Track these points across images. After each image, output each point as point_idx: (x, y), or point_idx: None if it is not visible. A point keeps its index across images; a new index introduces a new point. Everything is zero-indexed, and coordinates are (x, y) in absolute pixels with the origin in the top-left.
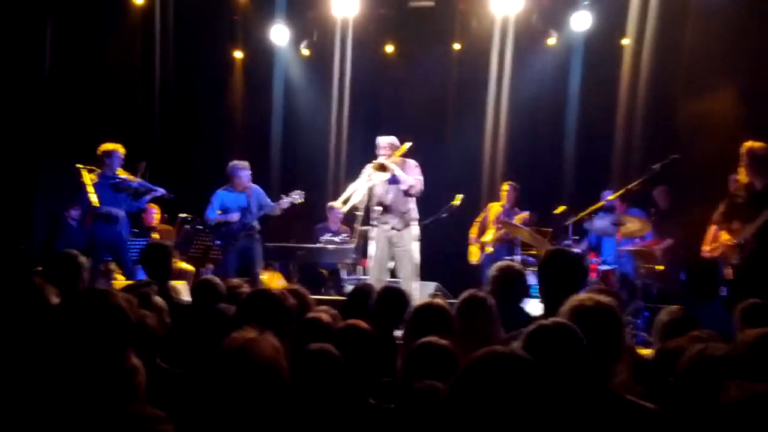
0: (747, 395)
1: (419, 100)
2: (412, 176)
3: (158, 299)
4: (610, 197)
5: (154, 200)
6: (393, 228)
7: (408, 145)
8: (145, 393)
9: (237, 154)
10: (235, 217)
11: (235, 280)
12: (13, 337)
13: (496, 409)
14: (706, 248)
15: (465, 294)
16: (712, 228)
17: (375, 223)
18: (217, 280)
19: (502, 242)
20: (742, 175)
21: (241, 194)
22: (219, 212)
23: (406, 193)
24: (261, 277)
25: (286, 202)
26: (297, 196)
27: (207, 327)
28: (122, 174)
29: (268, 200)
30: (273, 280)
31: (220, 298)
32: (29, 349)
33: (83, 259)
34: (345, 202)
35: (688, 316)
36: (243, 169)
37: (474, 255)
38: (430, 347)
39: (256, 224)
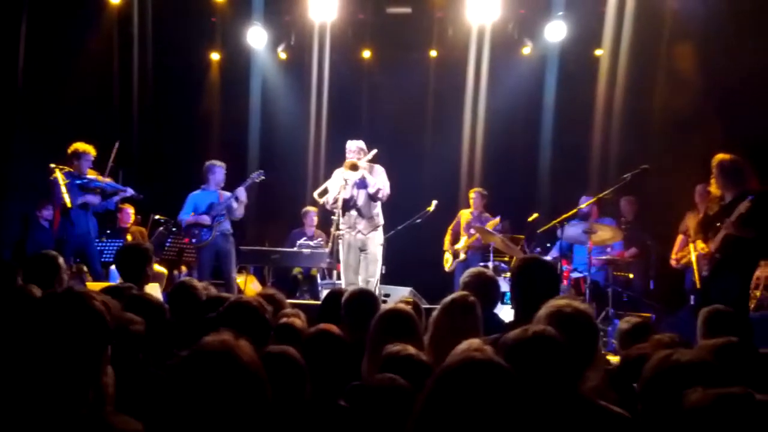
0: (708, 400)
1: (396, 106)
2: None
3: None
4: (588, 202)
5: (128, 201)
6: (360, 232)
7: (374, 151)
8: (113, 399)
9: (213, 156)
10: (206, 219)
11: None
12: None
13: (472, 415)
14: (674, 257)
15: (454, 295)
16: (679, 237)
17: (344, 227)
18: (196, 283)
19: (474, 249)
20: (714, 187)
21: (214, 193)
22: (192, 214)
23: (373, 197)
24: (236, 280)
25: (241, 191)
26: (255, 176)
27: (184, 334)
28: (91, 174)
29: (234, 205)
30: (247, 283)
31: (198, 303)
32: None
33: (62, 261)
34: (321, 195)
35: (647, 324)
36: (219, 167)
37: (448, 263)
38: (398, 358)
39: (229, 227)
